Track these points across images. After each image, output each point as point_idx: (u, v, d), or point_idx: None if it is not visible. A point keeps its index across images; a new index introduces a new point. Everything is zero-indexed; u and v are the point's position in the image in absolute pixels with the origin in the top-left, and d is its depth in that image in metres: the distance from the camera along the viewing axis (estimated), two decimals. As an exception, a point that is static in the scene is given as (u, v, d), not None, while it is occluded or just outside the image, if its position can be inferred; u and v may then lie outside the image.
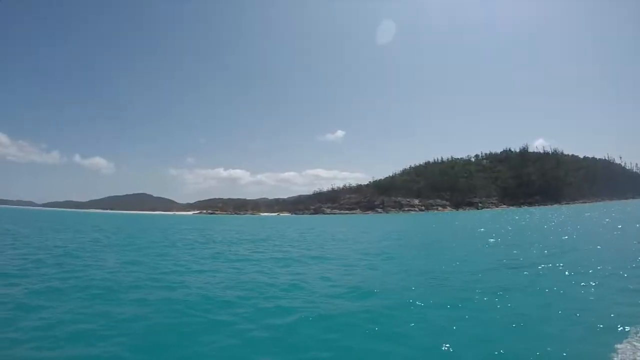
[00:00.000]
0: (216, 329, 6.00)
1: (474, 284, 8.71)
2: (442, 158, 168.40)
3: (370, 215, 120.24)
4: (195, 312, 6.91)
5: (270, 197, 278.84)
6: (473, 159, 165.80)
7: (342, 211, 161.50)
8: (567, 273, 9.75)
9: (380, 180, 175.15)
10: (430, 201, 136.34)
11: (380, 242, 21.75)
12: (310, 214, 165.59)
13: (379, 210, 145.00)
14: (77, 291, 8.62)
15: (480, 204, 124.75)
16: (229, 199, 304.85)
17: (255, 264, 13.10)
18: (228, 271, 11.66)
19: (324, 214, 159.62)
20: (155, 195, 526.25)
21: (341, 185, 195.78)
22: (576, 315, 6.22)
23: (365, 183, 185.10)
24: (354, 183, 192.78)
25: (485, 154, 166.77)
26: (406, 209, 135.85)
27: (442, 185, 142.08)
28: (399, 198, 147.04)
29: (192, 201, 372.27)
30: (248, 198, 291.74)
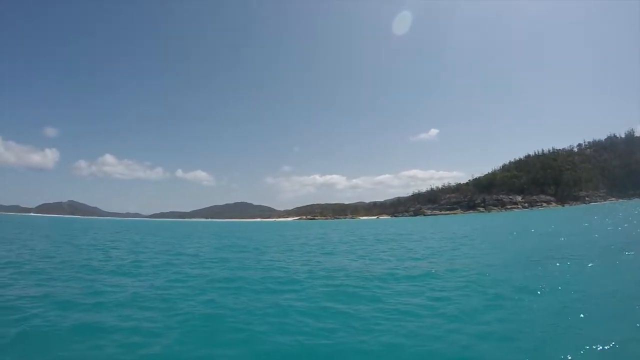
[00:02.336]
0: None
1: None
2: (542, 150, 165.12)
3: (472, 215, 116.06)
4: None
5: (367, 200, 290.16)
6: (576, 149, 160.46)
7: (442, 212, 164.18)
8: None
9: (479, 177, 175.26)
10: (534, 197, 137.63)
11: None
12: (410, 216, 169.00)
13: (481, 209, 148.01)
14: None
15: (587, 198, 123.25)
16: (327, 204, 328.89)
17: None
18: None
19: (424, 215, 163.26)
20: (254, 203, 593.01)
21: (439, 185, 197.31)
22: None
23: (464, 182, 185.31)
24: (452, 182, 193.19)
25: (588, 142, 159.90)
26: (509, 206, 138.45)
27: (545, 179, 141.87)
28: (500, 196, 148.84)
29: (290, 208, 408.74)
30: (343, 202, 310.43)
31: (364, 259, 14.58)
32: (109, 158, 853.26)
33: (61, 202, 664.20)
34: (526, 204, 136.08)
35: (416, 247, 19.23)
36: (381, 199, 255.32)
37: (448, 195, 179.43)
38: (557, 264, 10.91)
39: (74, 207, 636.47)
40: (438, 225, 49.96)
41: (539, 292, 7.69)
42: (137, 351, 5.29)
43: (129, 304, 7.73)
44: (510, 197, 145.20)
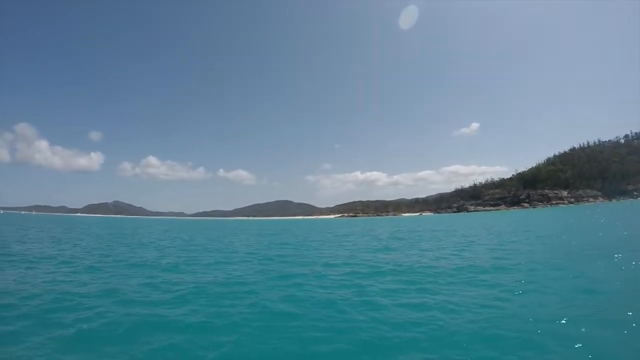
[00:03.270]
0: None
1: None
2: (588, 142, 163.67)
3: (517, 212, 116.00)
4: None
5: (408, 197, 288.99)
6: (622, 140, 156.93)
7: (485, 208, 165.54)
8: None
9: (523, 172, 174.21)
10: (580, 192, 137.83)
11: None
12: (452, 212, 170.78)
13: (525, 205, 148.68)
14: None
15: (635, 192, 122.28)
16: (368, 201, 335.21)
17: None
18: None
19: (467, 211, 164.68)
20: (296, 201, 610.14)
21: (482, 181, 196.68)
22: None
23: (507, 176, 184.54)
24: (495, 177, 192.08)
25: (635, 132, 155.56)
26: (554, 202, 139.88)
27: (591, 173, 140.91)
28: (545, 191, 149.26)
29: (331, 205, 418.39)
30: (384, 199, 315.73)
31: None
32: (152, 160, 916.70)
33: (107, 203, 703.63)
34: (572, 199, 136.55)
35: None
36: (422, 196, 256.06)
37: (491, 191, 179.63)
38: None
39: (119, 207, 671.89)
40: (506, 221, 46.14)
41: None
42: (211, 348, 5.24)
43: (194, 299, 7.86)
44: (556, 192, 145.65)
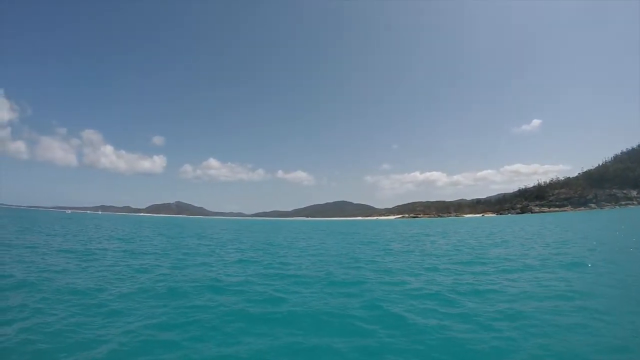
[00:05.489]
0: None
1: None
2: None
3: (583, 213, 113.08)
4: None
5: (468, 197, 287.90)
6: None
7: (551, 209, 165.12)
8: None
9: (590, 170, 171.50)
10: None
11: None
12: (516, 214, 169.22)
13: (592, 205, 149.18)
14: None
15: None
16: (427, 201, 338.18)
17: None
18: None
19: (532, 212, 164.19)
20: (354, 202, 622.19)
21: (547, 180, 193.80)
22: None
23: (572, 175, 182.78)
24: (560, 177, 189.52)
25: None
26: (623, 203, 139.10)
27: None
28: (613, 190, 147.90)
29: (390, 206, 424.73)
30: (445, 200, 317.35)
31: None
32: (212, 162, 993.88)
33: (169, 203, 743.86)
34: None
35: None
36: (483, 196, 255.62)
37: (557, 191, 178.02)
38: None
39: (181, 207, 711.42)
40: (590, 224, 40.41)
41: None
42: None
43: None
44: (625, 191, 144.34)
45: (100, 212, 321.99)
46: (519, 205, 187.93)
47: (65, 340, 5.56)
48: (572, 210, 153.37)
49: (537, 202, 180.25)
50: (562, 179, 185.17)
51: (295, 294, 8.71)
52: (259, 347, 5.48)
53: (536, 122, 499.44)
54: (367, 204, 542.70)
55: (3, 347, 5.17)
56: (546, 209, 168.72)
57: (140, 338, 5.69)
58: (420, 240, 26.77)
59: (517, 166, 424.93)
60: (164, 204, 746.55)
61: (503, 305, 7.32)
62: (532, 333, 5.79)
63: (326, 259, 15.66)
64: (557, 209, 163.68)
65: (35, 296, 8.00)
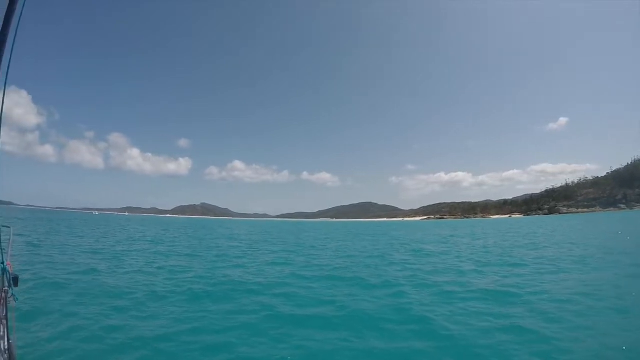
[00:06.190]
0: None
1: None
2: None
3: (614, 214, 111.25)
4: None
5: (494, 198, 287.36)
6: None
7: (579, 209, 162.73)
8: None
9: (619, 169, 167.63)
10: None
11: None
12: (544, 214, 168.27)
13: (622, 206, 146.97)
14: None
15: None
16: (453, 202, 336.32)
17: None
18: None
19: (560, 213, 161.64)
20: (379, 203, 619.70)
21: (575, 180, 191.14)
22: None
23: (600, 175, 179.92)
24: (588, 176, 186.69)
25: None
26: None
27: None
28: None
29: (415, 207, 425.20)
30: (470, 201, 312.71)
31: None
32: (237, 164, 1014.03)
33: (195, 205, 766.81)
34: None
35: None
36: (509, 197, 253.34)
37: (585, 191, 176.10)
38: None
39: (206, 209, 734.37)
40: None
41: None
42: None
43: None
44: None
45: (127, 214, 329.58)
46: (546, 206, 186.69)
47: (100, 345, 5.36)
48: (601, 210, 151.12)
49: (565, 203, 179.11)
50: (591, 178, 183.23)
51: (337, 295, 8.66)
52: (310, 351, 5.32)
53: (563, 120, 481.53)
54: (391, 205, 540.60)
55: (41, 352, 5.03)
56: (574, 209, 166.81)
57: (178, 342, 5.49)
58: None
59: (544, 166, 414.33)
60: (190, 205, 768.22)
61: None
62: None
63: (367, 261, 15.48)
64: (585, 209, 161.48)
65: (66, 298, 7.88)
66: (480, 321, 6.46)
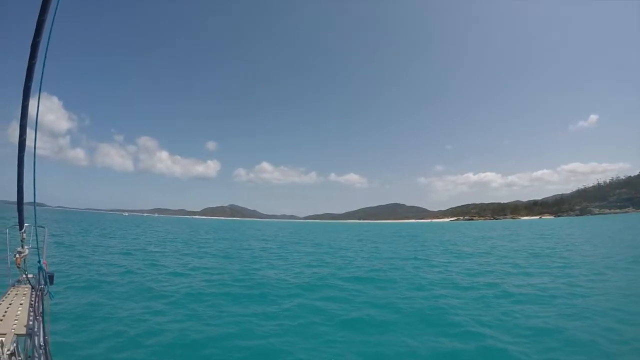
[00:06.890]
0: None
1: None
2: None
3: None
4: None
5: (523, 199, 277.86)
6: None
7: (612, 210, 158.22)
8: None
9: None
10: None
11: None
12: (575, 215, 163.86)
13: None
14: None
15: None
16: (482, 203, 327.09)
17: None
18: None
19: (591, 214, 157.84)
20: (407, 204, 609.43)
21: (607, 180, 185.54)
22: None
23: (633, 174, 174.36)
24: (621, 176, 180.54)
25: None
26: None
27: None
28: None
29: (443, 208, 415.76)
30: (499, 202, 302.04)
31: None
32: (265, 165, 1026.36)
33: (223, 206, 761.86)
34: None
35: None
36: (539, 197, 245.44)
37: (618, 191, 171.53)
38: None
39: (234, 210, 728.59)
40: None
41: None
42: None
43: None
44: None
45: (156, 215, 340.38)
46: (577, 207, 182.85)
47: (136, 347, 5.25)
48: (634, 211, 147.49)
49: (597, 203, 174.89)
50: (623, 178, 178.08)
51: (379, 298, 8.55)
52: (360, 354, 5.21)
53: (593, 117, 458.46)
54: (419, 206, 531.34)
55: (75, 349, 4.97)
56: (607, 210, 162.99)
57: (222, 348, 5.32)
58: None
59: (574, 165, 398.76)
60: (218, 207, 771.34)
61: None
62: None
63: (409, 264, 15.28)
64: (618, 210, 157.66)
65: (102, 299, 7.85)
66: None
